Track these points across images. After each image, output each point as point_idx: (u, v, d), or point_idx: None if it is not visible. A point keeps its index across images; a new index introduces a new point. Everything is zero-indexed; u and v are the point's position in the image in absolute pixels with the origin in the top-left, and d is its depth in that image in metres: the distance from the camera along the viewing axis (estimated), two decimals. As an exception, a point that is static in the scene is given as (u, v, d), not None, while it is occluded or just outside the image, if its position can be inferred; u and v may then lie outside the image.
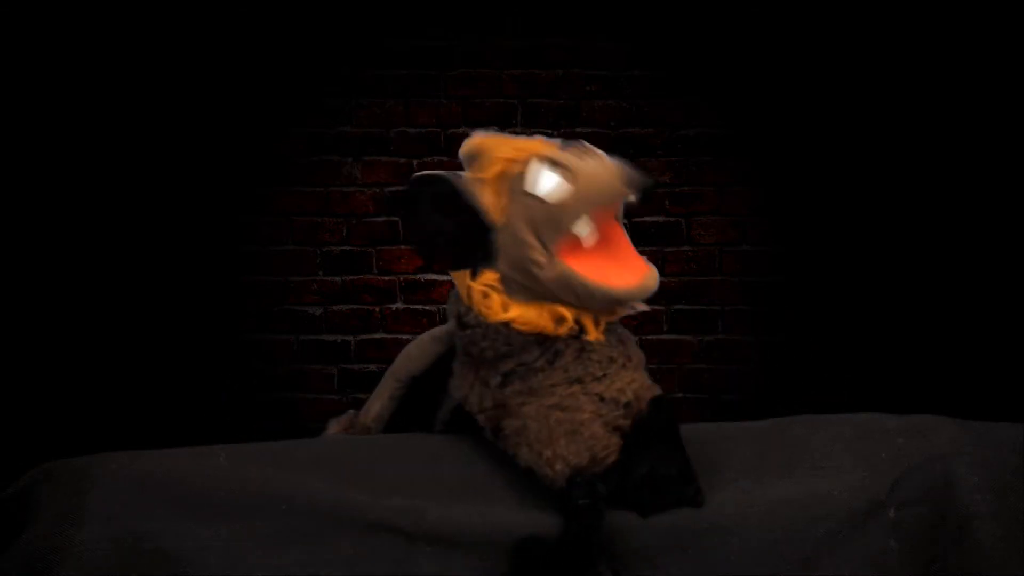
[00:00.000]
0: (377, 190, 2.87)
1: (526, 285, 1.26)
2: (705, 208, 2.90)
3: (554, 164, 1.25)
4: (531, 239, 1.24)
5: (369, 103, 2.89)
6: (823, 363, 2.77)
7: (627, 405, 1.26)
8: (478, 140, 1.33)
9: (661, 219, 2.89)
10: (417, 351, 1.49)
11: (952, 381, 2.56)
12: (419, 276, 2.87)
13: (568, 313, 1.26)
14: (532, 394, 1.28)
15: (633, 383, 1.28)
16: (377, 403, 1.52)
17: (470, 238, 1.28)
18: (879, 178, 2.79)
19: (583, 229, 1.24)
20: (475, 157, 1.32)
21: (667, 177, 2.88)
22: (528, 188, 1.25)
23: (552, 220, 1.24)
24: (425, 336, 1.50)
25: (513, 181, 1.26)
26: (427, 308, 2.88)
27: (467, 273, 1.30)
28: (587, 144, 1.30)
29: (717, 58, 2.84)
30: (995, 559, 1.16)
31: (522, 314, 1.27)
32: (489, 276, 1.29)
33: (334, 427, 1.52)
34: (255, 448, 1.37)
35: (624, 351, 1.31)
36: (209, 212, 2.80)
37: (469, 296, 1.30)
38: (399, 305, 2.89)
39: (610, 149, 1.28)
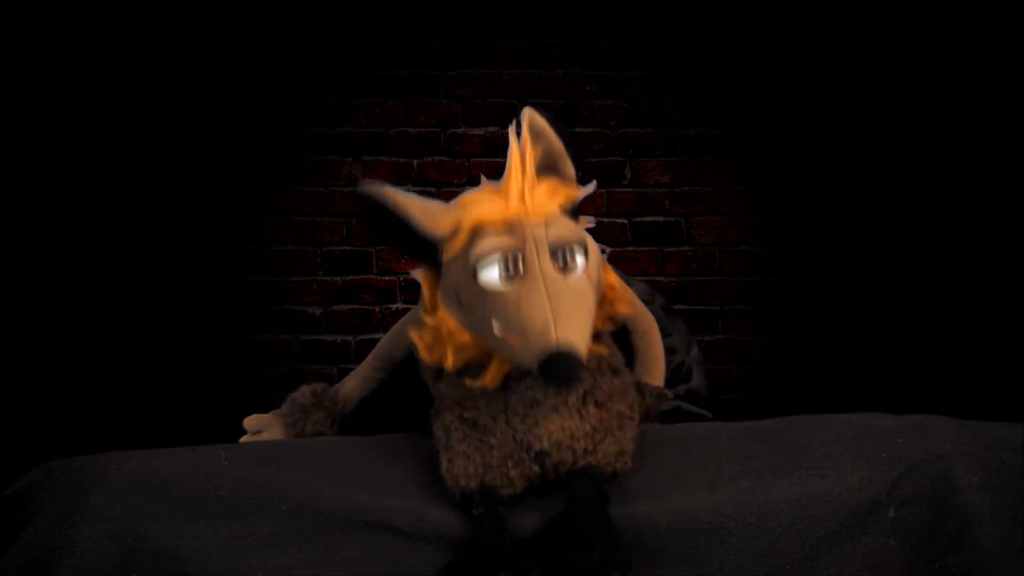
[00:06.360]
0: (377, 190, 2.87)
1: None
2: (705, 208, 2.89)
3: (512, 266, 1.17)
4: (453, 296, 1.23)
5: (369, 103, 2.89)
6: (823, 363, 2.77)
7: (541, 454, 1.20)
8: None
9: (661, 219, 2.89)
10: (400, 330, 1.51)
11: (952, 381, 2.56)
12: (419, 276, 2.87)
13: (476, 350, 1.23)
14: (458, 401, 1.26)
15: (559, 432, 1.20)
16: (352, 380, 1.54)
17: (409, 246, 1.29)
18: (879, 178, 2.79)
19: (497, 330, 1.17)
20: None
21: (667, 177, 2.88)
22: (473, 263, 1.19)
23: (475, 303, 1.19)
24: (407, 316, 1.51)
25: (469, 241, 1.22)
26: (427, 308, 2.87)
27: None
28: (576, 255, 1.20)
29: (717, 58, 2.84)
30: (994, 559, 1.16)
31: (444, 321, 1.25)
32: (423, 275, 1.30)
33: (304, 390, 1.53)
34: (255, 448, 1.37)
35: (557, 394, 1.21)
36: (209, 212, 2.80)
37: None
38: (399, 305, 2.89)
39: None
